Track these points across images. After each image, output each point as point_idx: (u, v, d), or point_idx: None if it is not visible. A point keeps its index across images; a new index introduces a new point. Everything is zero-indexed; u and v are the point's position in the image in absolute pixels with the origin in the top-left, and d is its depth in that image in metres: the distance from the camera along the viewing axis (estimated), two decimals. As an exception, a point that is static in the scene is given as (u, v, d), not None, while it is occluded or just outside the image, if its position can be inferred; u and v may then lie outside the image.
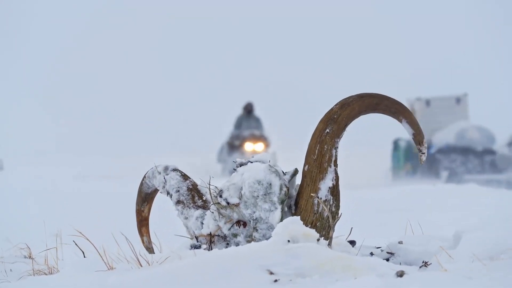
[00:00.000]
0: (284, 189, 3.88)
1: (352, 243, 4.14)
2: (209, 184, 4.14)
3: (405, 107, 3.96)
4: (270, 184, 3.86)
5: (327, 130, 3.91)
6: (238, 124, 29.25)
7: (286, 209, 3.94)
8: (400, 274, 3.23)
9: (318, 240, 3.55)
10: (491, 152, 24.64)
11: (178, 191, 4.18)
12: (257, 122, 29.18)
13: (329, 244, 3.74)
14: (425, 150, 3.94)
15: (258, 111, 29.34)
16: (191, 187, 4.20)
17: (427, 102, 27.72)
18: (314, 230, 3.60)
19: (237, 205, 3.90)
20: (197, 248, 3.94)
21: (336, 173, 3.91)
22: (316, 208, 3.86)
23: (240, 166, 4.03)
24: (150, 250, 4.48)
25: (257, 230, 3.88)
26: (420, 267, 3.66)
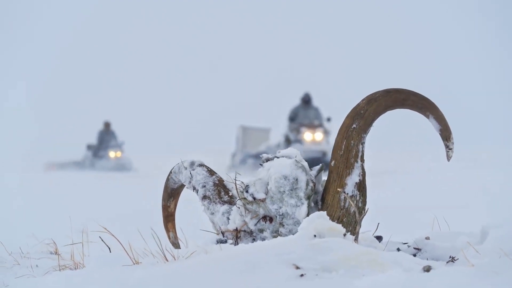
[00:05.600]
0: (311, 184, 3.88)
1: (379, 238, 4.12)
2: (235, 179, 4.15)
3: (432, 103, 3.94)
4: (297, 180, 3.86)
5: (354, 126, 3.90)
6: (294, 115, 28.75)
7: (312, 204, 3.93)
8: (427, 269, 3.22)
9: (344, 235, 3.54)
10: None
11: (204, 186, 4.19)
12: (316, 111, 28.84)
13: (356, 239, 3.73)
14: (452, 146, 3.92)
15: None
16: (217, 182, 4.20)
17: None
18: (340, 225, 3.59)
19: (263, 200, 3.90)
20: (223, 243, 3.94)
21: (363, 168, 3.90)
22: (342, 204, 3.85)
23: (267, 161, 4.02)
24: (176, 245, 4.49)
25: (283, 225, 3.87)
26: (447, 262, 3.64)
